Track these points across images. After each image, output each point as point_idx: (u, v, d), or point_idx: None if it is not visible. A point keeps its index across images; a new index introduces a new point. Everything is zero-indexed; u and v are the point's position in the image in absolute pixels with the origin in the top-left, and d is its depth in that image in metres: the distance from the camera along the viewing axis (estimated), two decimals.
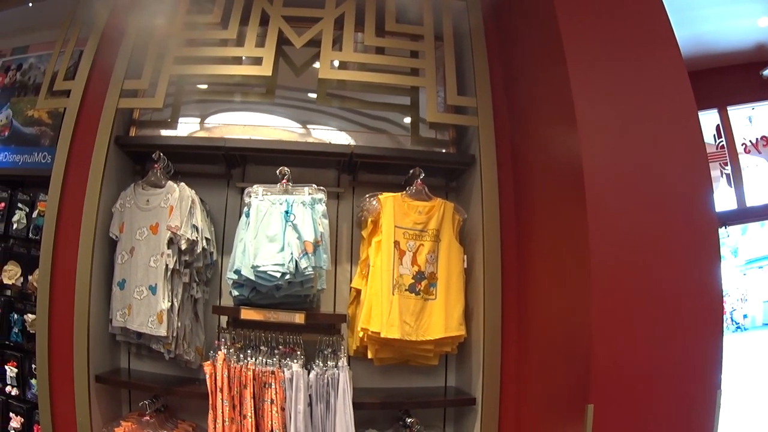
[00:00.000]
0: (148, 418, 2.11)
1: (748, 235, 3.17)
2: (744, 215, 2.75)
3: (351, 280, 2.18)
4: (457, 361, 2.28)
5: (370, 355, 2.03)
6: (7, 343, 2.49)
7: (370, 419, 2.14)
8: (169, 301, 2.06)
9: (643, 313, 1.59)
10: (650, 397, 1.60)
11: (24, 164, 2.63)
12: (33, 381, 2.41)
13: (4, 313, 2.48)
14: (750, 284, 3.29)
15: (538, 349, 1.97)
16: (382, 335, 1.95)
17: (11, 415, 2.47)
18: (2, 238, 2.58)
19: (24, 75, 2.85)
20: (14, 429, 2.47)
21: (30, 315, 2.41)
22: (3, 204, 2.59)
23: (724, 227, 2.70)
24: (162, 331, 2.04)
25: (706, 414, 1.59)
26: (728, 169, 2.76)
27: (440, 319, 2.01)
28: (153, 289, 2.08)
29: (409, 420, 2.02)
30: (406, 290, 2.00)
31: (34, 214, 2.50)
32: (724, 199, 2.76)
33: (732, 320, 3.16)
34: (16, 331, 2.48)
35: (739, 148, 2.81)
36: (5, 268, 2.52)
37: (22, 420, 2.46)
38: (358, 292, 2.08)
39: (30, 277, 2.46)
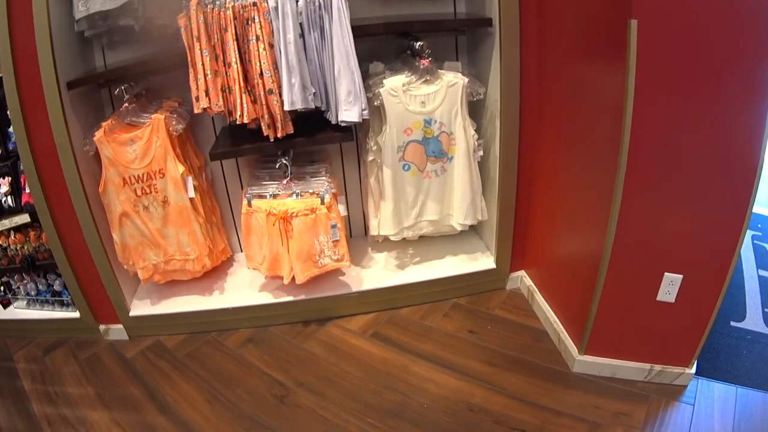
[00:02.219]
0: (127, 105, 1.84)
1: None
2: None
3: None
4: None
5: None
6: None
7: (372, 53, 1.85)
8: None
9: None
10: (698, 17, 1.26)
11: None
12: (10, 129, 2.14)
13: None
14: None
15: None
16: None
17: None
18: None
19: None
20: (5, 194, 2.22)
21: None
22: None
23: None
24: None
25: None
26: None
27: None
28: None
29: (417, 44, 1.73)
30: None
31: None
32: None
33: None
34: None
35: None
36: None
37: (10, 179, 2.21)
38: None
39: None
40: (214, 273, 2.07)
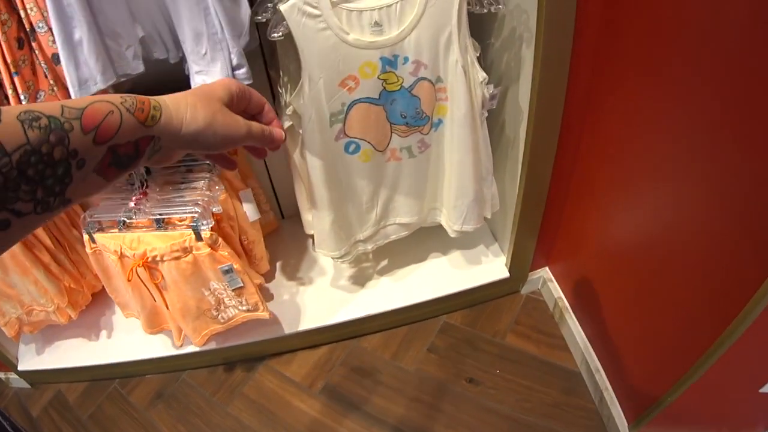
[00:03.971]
0: None
1: None
2: None
3: None
4: None
5: None
6: None
7: None
8: None
9: None
10: None
11: None
12: None
13: None
14: None
15: None
16: None
17: None
18: None
19: None
20: None
21: None
22: None
23: None
24: None
25: None
26: None
27: None
28: None
29: None
30: None
31: None
32: None
33: None
34: None
35: None
36: None
37: None
38: None
39: None
40: (106, 300, 1.43)
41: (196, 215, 1.00)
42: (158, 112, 0.39)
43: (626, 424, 1.09)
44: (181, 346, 1.23)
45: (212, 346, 1.28)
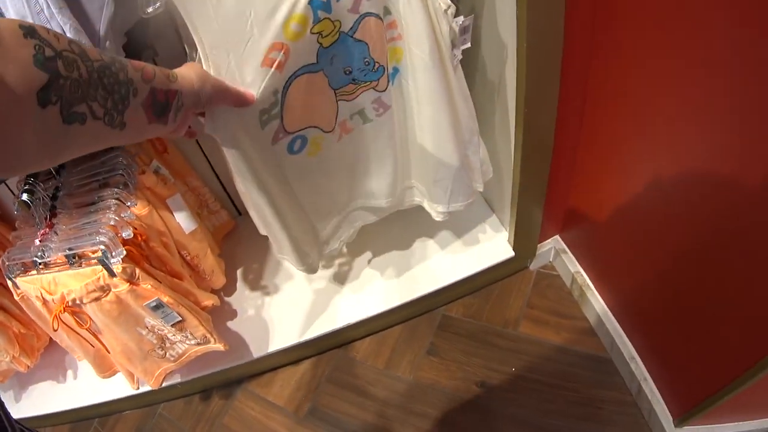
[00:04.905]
0: None
1: None
2: None
3: None
4: None
5: None
6: None
7: None
8: None
9: None
10: None
11: None
12: None
13: None
14: None
15: None
16: None
17: None
18: None
19: None
20: None
21: None
22: None
23: None
24: None
25: None
26: None
27: None
28: None
29: None
30: None
31: None
32: None
33: None
34: None
35: None
36: None
37: None
38: None
39: None
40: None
41: (103, 244, 0.81)
42: (175, 73, 0.51)
43: (671, 418, 0.89)
44: (138, 389, 1.07)
45: (179, 378, 1.12)
